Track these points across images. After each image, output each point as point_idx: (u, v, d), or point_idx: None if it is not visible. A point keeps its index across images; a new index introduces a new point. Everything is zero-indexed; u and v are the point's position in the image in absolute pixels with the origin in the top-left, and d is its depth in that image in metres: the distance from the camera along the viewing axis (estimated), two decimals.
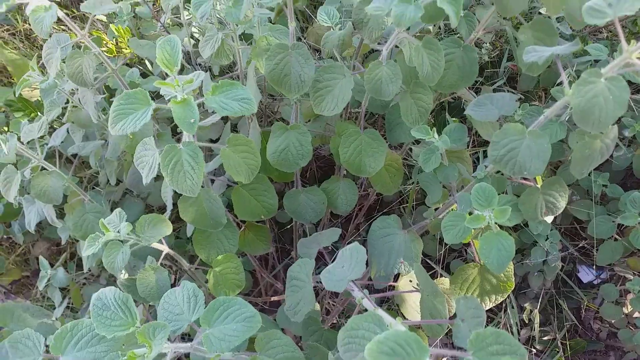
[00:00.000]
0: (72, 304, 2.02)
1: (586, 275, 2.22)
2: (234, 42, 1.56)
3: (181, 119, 1.12)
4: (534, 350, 2.14)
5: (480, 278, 1.42)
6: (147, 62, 2.22)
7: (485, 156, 2.14)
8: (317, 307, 1.67)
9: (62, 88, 1.66)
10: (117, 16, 2.04)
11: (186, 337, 1.82)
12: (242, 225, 1.65)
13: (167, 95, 1.18)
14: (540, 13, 1.98)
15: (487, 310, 1.45)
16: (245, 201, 1.49)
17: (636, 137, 1.92)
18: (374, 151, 1.45)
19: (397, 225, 1.44)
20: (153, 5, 2.29)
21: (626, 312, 2.04)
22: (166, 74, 1.17)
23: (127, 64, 2.21)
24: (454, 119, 2.08)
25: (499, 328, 2.07)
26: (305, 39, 2.06)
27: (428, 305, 1.21)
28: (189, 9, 1.76)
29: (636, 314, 2.02)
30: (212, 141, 1.82)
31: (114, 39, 2.36)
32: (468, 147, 2.14)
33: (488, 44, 2.31)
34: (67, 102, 1.74)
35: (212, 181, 1.57)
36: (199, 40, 1.97)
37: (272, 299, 1.99)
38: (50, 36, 1.49)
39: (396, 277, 1.52)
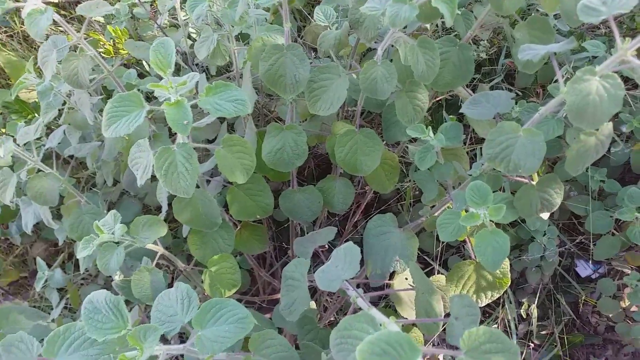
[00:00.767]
0: (70, 304, 2.02)
1: (584, 269, 2.23)
2: (229, 43, 1.56)
3: (174, 120, 1.12)
4: (532, 345, 2.15)
5: (476, 275, 1.42)
6: (144, 63, 2.22)
7: (482, 154, 2.14)
8: (313, 305, 1.67)
9: (58, 90, 1.66)
10: (114, 17, 2.04)
11: (184, 336, 1.83)
12: (238, 225, 1.66)
13: (162, 97, 1.18)
14: (537, 10, 1.98)
15: (485, 306, 1.45)
16: (241, 201, 1.49)
17: (634, 132, 1.92)
18: (370, 150, 1.44)
19: (393, 224, 1.44)
20: (151, 5, 2.29)
21: (624, 306, 2.05)
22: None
23: (124, 65, 2.20)
24: (451, 116, 2.08)
25: (497, 323, 2.09)
26: (302, 37, 2.06)
27: (423, 303, 1.22)
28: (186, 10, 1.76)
29: (634, 308, 2.02)
30: (208, 141, 1.82)
31: (112, 40, 2.36)
32: (465, 145, 2.14)
33: (485, 41, 2.31)
34: (64, 103, 1.74)
35: (208, 182, 1.57)
36: (196, 41, 1.98)
37: (270, 297, 1.99)
38: (46, 38, 1.50)
39: (392, 275, 1.52)
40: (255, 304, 2.08)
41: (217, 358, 1.09)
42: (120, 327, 0.92)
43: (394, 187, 1.66)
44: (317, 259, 1.63)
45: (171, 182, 1.20)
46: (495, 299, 1.46)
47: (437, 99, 2.16)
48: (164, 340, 1.03)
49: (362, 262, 1.15)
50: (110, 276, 2.02)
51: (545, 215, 1.44)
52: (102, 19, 2.43)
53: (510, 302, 2.11)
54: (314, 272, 1.21)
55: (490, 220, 1.17)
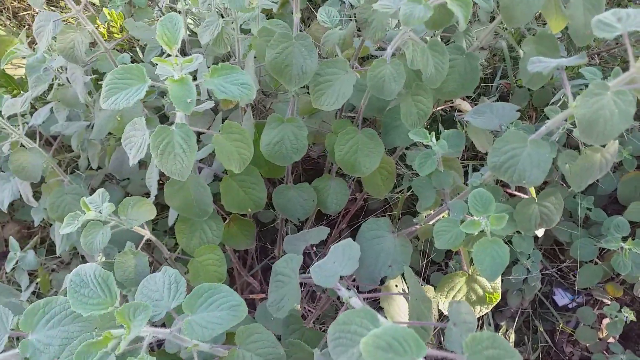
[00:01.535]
0: (39, 289, 1.93)
1: (562, 298, 2.23)
2: (234, 30, 1.53)
3: (178, 97, 1.08)
4: None
5: (467, 287, 1.39)
6: (137, 50, 2.17)
7: (474, 170, 2.14)
8: (298, 307, 1.62)
9: (49, 65, 1.61)
10: (110, 0, 1.99)
11: (165, 326, 1.75)
12: (227, 218, 1.60)
13: (164, 75, 1.14)
14: (544, 25, 2.00)
15: None
16: (234, 192, 1.45)
17: (623, 163, 1.94)
18: (370, 151, 1.42)
19: (387, 228, 1.41)
20: None
21: (601, 336, 2.04)
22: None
23: (116, 50, 2.15)
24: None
25: None
26: None
27: (416, 310, 1.18)
28: None
29: (611, 339, 2.02)
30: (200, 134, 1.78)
31: (106, 24, 2.31)
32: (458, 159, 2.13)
33: (483, 61, 2.33)
34: (54, 79, 1.68)
35: (200, 170, 1.53)
36: (194, 32, 1.94)
37: (250, 296, 1.94)
38: (44, 8, 1.44)
39: (382, 282, 1.48)
40: None
41: (200, 349, 1.04)
42: (107, 303, 0.86)
43: (386, 195, 1.64)
44: (304, 261, 1.59)
45: (167, 163, 1.15)
46: (483, 314, 1.44)
47: (433, 110, 2.15)
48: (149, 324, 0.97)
49: None
50: (86, 262, 1.95)
51: (540, 232, 1.43)
52: (97, 1, 2.38)
53: (490, 325, 2.10)
54: (301, 273, 1.18)
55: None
